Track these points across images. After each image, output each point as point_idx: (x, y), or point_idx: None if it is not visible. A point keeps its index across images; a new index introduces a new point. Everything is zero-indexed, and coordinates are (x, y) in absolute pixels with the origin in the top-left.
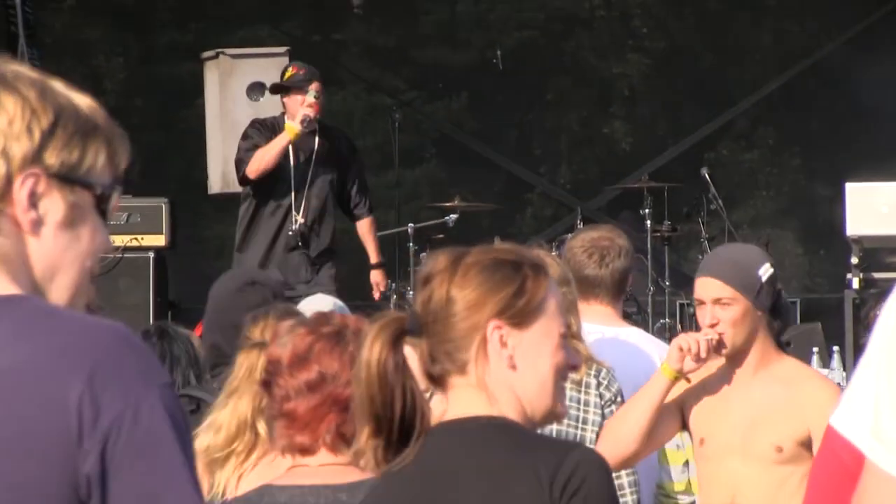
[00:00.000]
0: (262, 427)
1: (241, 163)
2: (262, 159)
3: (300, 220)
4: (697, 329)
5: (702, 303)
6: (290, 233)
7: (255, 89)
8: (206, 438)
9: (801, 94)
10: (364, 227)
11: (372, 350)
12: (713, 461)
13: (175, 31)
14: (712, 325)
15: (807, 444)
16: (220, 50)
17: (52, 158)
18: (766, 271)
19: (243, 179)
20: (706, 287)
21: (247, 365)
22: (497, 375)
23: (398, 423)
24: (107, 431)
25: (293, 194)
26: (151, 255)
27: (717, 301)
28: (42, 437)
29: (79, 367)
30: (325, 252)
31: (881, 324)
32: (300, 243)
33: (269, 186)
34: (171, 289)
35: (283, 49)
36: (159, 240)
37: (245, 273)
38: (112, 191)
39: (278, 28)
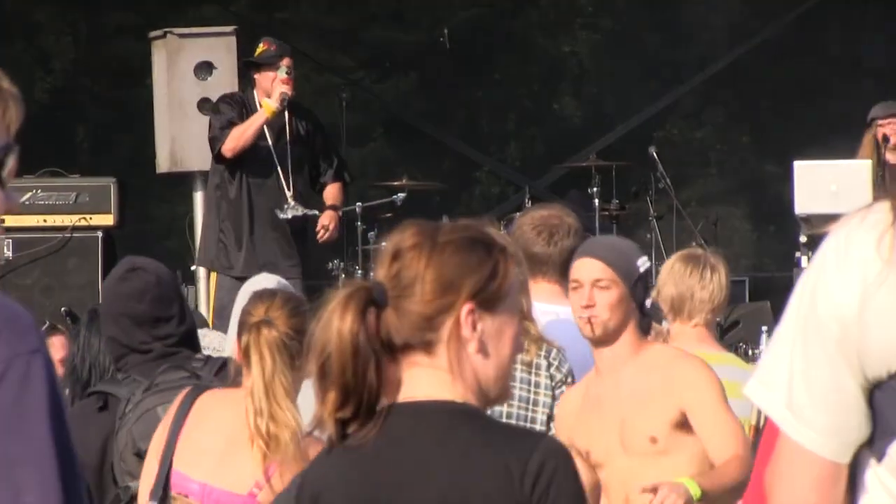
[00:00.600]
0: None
1: (215, 140)
2: (240, 137)
3: (292, 200)
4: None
5: (579, 284)
6: (283, 213)
7: (203, 68)
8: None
9: (750, 73)
10: (333, 189)
11: (343, 319)
12: (602, 468)
13: (124, 11)
14: (588, 307)
15: (684, 426)
16: (167, 29)
17: None
18: (643, 264)
19: (219, 157)
20: (586, 267)
21: (266, 345)
22: (464, 359)
23: (367, 397)
24: None
25: (280, 173)
26: (100, 234)
27: (596, 282)
28: None
29: None
30: (301, 230)
31: (795, 295)
32: (291, 222)
33: (248, 165)
34: None
35: (230, 28)
36: (108, 219)
37: (126, 261)
38: (6, 155)
39: (227, 8)
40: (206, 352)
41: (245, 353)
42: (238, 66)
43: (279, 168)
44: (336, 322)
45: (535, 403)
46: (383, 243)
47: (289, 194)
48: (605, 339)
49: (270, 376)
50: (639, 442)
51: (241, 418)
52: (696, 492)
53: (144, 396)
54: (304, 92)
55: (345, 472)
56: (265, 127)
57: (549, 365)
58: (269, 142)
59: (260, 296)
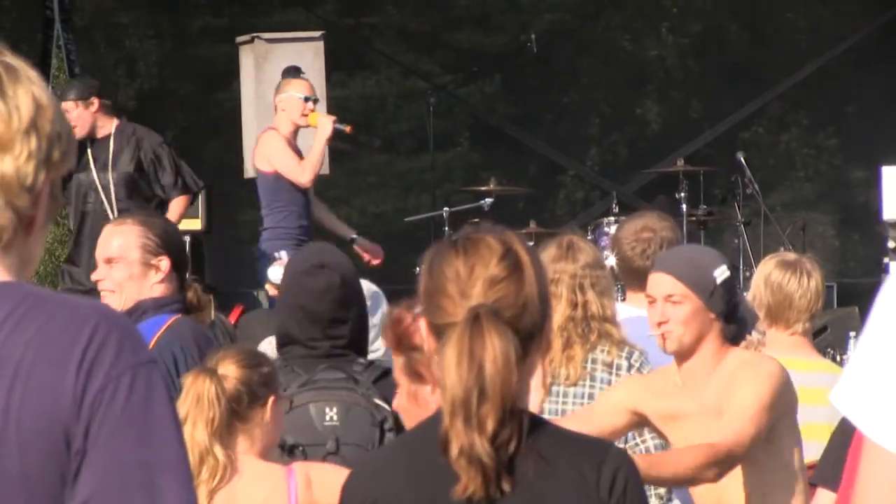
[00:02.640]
0: (219, 451)
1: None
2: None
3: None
4: None
5: (653, 300)
6: None
7: (291, 73)
8: None
9: (837, 78)
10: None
11: None
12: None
13: (209, 15)
14: (661, 323)
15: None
16: (255, 34)
17: None
18: (721, 273)
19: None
20: (658, 283)
21: (194, 392)
22: None
23: None
24: (90, 409)
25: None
26: (188, 239)
27: (668, 298)
28: (41, 427)
29: (69, 353)
30: None
31: (879, 299)
32: None
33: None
34: (207, 273)
35: (318, 33)
36: (195, 224)
37: (316, 253)
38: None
39: (312, 12)
40: None
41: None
42: (326, 70)
43: (102, 195)
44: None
45: None
46: None
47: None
48: (682, 354)
49: (183, 420)
50: None
51: None
52: None
53: (299, 391)
54: (390, 97)
55: None
56: (90, 155)
57: (630, 366)
58: (93, 171)
59: (220, 349)
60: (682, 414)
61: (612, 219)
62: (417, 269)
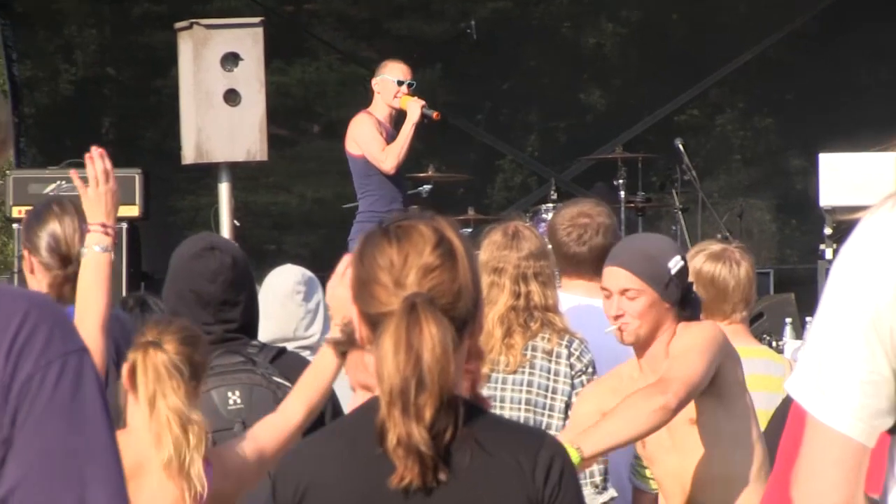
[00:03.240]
0: (197, 414)
1: None
2: None
3: None
4: None
5: (609, 293)
6: None
7: (230, 59)
8: (153, 453)
9: (776, 65)
10: None
11: None
12: (653, 465)
13: (149, 2)
14: (618, 317)
15: (710, 392)
16: (194, 20)
17: None
18: (675, 264)
19: None
20: (614, 277)
21: (151, 366)
22: None
23: None
24: (18, 397)
25: None
26: (124, 225)
27: (623, 292)
28: None
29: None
30: None
31: (829, 282)
32: None
33: None
34: (144, 260)
35: (257, 20)
36: (132, 210)
37: (203, 238)
38: None
39: None
40: None
41: (131, 372)
42: (265, 56)
43: None
44: None
45: (554, 391)
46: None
47: None
48: (640, 345)
49: (152, 397)
50: (683, 430)
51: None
52: (575, 458)
53: None
54: (330, 83)
55: None
56: None
57: (570, 354)
58: None
59: (156, 321)
60: None
61: (549, 205)
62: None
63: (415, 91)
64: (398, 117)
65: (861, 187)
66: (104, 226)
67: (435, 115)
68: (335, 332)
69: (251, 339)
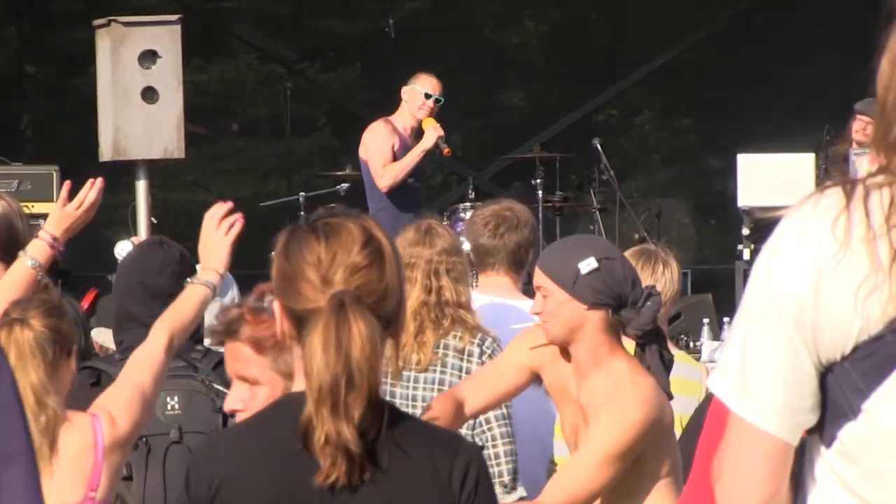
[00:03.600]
0: (52, 399)
1: None
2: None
3: None
4: None
5: (535, 293)
6: None
7: (147, 57)
8: None
9: (694, 66)
10: None
11: None
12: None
13: None
14: (536, 313)
15: None
16: (111, 18)
17: None
18: (588, 264)
19: None
20: (535, 275)
21: (14, 344)
22: None
23: None
24: None
25: None
26: (42, 222)
27: (538, 290)
28: None
29: None
30: None
31: (750, 281)
32: None
33: None
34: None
35: (175, 17)
36: (50, 207)
37: (153, 237)
38: None
39: None
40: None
41: None
42: (183, 54)
43: None
44: None
45: None
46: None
47: None
48: (561, 345)
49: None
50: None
51: None
52: None
53: None
54: (249, 81)
55: None
56: None
57: (483, 353)
58: None
59: (17, 300)
60: (569, 396)
61: (467, 205)
62: (272, 254)
63: (440, 109)
64: (421, 129)
65: (779, 188)
66: (54, 240)
67: (446, 151)
68: (207, 275)
69: (196, 344)
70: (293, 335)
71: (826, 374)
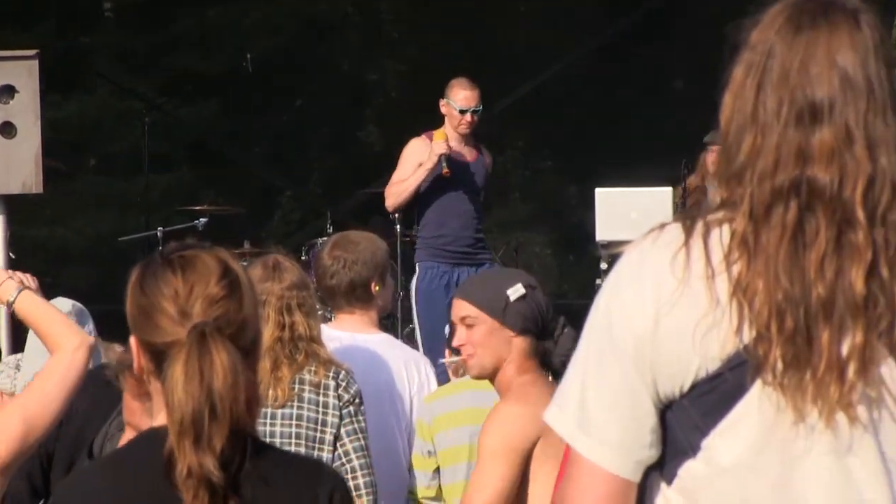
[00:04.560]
0: None
1: None
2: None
3: None
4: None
5: (454, 326)
6: None
7: (5, 92)
8: None
9: (553, 99)
10: None
11: None
12: None
13: None
14: (459, 346)
15: None
16: None
17: None
18: (515, 291)
19: None
20: (455, 308)
21: None
22: None
23: None
24: None
25: None
26: None
27: (463, 320)
28: None
29: None
30: None
31: (590, 317)
32: None
33: None
34: None
35: (32, 52)
36: None
37: None
38: None
39: (29, 31)
40: None
41: None
42: (41, 89)
43: None
44: None
45: (324, 424)
46: None
47: None
48: (488, 376)
49: None
50: None
51: None
52: None
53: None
54: (107, 117)
55: None
56: None
57: (338, 385)
58: None
59: None
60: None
61: (326, 239)
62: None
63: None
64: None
65: (637, 222)
66: None
67: (444, 171)
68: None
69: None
70: (151, 370)
71: (665, 410)
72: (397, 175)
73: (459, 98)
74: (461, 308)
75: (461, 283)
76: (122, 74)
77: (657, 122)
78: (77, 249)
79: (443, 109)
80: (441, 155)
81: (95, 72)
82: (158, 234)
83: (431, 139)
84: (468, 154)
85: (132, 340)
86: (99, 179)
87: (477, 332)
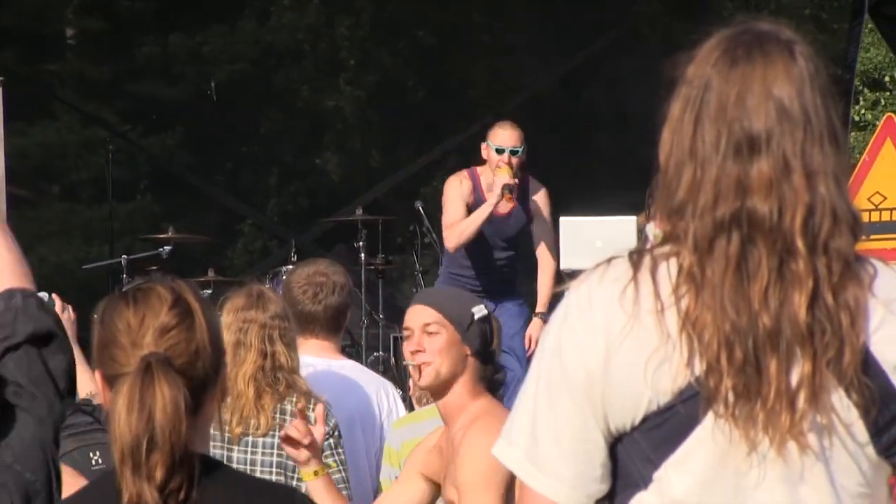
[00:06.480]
0: None
1: None
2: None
3: None
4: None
5: (410, 331)
6: None
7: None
8: None
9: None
10: None
11: None
12: None
13: None
14: (417, 352)
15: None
16: None
17: None
18: (479, 311)
19: None
20: (416, 314)
21: None
22: None
23: None
24: None
25: None
26: None
27: (425, 327)
28: None
29: None
30: None
31: (539, 351)
32: None
33: None
34: None
35: None
36: None
37: None
38: None
39: None
40: None
41: None
42: (4, 117)
43: None
44: None
45: None
46: None
47: None
48: (437, 389)
49: None
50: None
51: None
52: None
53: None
54: (70, 145)
55: None
56: None
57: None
58: None
59: None
60: (444, 460)
61: (290, 267)
62: (95, 316)
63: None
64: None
65: (602, 251)
66: None
67: (507, 197)
68: None
69: (74, 399)
70: (111, 401)
71: (616, 444)
72: (449, 217)
73: (497, 138)
74: (425, 314)
75: (422, 292)
76: (86, 102)
77: (621, 151)
78: (40, 277)
79: (483, 153)
80: (504, 186)
81: (59, 99)
82: (122, 261)
83: (470, 176)
84: (502, 205)
85: (97, 374)
86: (63, 206)
87: (438, 340)
